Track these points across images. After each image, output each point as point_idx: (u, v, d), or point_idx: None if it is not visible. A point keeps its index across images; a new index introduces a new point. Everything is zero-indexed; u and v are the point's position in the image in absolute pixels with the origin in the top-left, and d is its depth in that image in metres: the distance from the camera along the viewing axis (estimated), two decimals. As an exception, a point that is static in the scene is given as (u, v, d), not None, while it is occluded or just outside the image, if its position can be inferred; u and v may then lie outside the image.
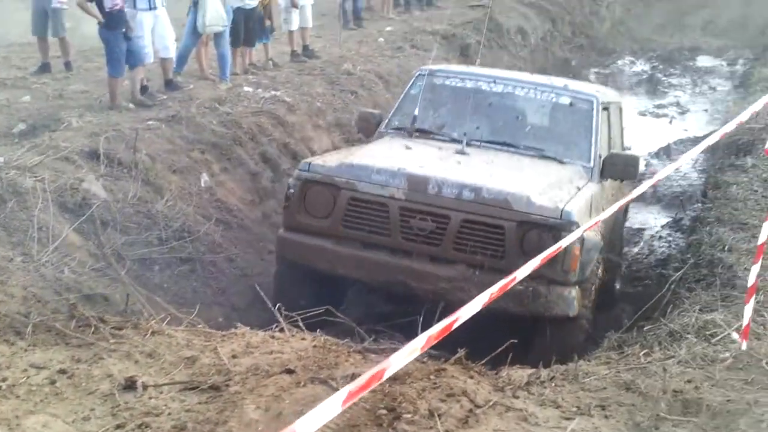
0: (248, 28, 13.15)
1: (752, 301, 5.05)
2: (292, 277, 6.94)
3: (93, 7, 10.32)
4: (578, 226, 5.82)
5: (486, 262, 6.21)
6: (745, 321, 5.05)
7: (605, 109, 8.08)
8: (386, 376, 2.60)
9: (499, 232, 6.25)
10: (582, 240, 6.11)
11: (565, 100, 7.90)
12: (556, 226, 6.13)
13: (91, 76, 12.69)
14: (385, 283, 6.52)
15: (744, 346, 5.06)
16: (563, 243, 5.02)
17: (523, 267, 3.69)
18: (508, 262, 5.92)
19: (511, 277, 3.52)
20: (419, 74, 8.38)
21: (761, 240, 4.90)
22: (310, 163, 6.84)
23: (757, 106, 4.82)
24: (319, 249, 6.61)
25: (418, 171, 6.65)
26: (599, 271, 6.91)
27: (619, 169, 7.42)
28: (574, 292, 6.29)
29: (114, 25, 10.32)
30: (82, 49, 14.19)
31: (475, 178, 6.60)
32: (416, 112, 7.81)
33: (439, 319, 6.08)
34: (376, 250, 6.51)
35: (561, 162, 7.34)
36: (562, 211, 6.22)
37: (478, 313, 5.38)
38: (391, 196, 6.44)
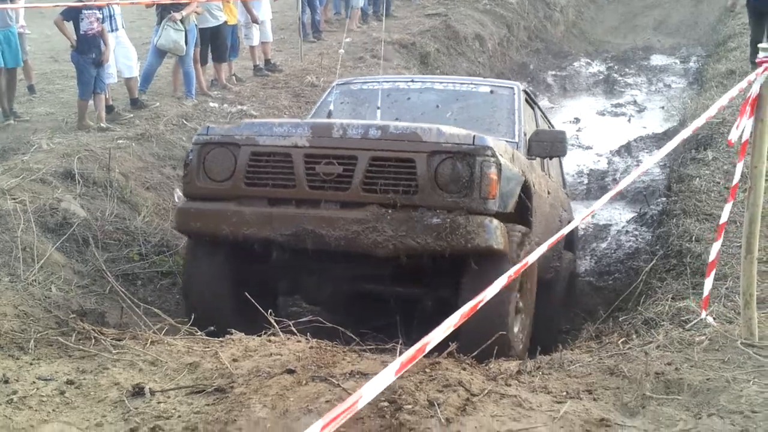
0: (216, 45, 13.28)
1: (712, 274, 5.47)
2: (202, 259, 6.46)
3: (70, 27, 10.47)
4: (493, 153, 5.81)
5: (398, 200, 5.87)
6: (705, 292, 5.53)
7: (528, 101, 8.13)
8: (428, 349, 2.80)
9: (410, 166, 5.91)
10: (499, 165, 5.85)
11: (485, 89, 8.02)
12: (469, 152, 5.83)
13: (55, 98, 12.77)
14: (293, 236, 5.96)
15: (704, 315, 5.48)
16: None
17: None
18: (422, 197, 5.81)
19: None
20: (336, 84, 8.40)
21: (723, 219, 5.27)
22: (209, 127, 6.53)
23: (723, 101, 5.01)
24: (221, 213, 6.15)
25: (321, 120, 6.49)
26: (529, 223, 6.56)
27: (546, 145, 7.28)
28: (495, 222, 5.83)
29: (86, 49, 10.50)
30: (43, 72, 14.27)
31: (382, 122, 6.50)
32: (331, 107, 7.77)
33: (417, 323, 6.24)
34: (282, 205, 6.11)
35: None
36: (474, 136, 5.92)
37: (397, 260, 5.83)
38: (294, 144, 6.09)
